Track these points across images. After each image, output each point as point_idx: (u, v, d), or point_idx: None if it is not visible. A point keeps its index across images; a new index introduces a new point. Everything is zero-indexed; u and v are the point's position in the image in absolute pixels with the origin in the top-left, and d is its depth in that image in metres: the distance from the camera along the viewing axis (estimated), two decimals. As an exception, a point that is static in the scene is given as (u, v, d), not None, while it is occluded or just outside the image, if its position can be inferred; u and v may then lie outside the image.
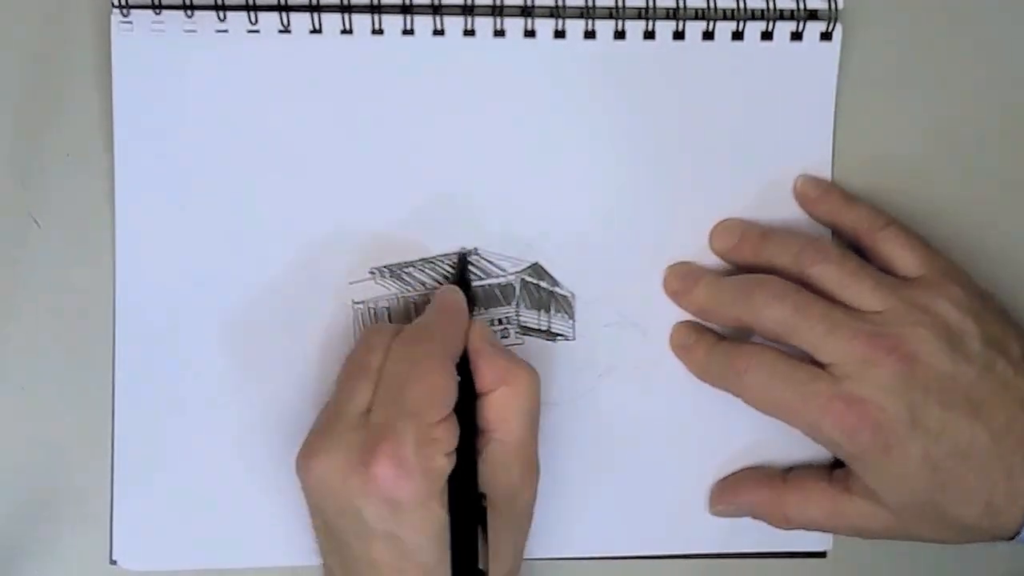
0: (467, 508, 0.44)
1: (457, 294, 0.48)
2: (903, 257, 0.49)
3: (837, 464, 0.50)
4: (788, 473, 0.51)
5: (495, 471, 0.45)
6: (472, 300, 0.49)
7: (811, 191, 0.51)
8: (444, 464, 0.43)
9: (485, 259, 0.51)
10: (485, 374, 0.46)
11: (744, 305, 0.48)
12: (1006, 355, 0.46)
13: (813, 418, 0.46)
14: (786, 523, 0.50)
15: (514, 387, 0.45)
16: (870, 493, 0.47)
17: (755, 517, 0.50)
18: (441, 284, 0.51)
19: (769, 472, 0.51)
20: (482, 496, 0.44)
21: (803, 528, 0.50)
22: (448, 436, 0.44)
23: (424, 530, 0.43)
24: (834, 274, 0.47)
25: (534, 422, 0.46)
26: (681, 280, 0.51)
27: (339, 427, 0.44)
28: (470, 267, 0.51)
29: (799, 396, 0.46)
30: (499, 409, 0.45)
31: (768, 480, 0.50)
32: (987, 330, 0.46)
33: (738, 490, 0.51)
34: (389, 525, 0.43)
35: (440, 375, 0.44)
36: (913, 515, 0.46)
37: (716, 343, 0.50)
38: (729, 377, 0.49)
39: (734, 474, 0.51)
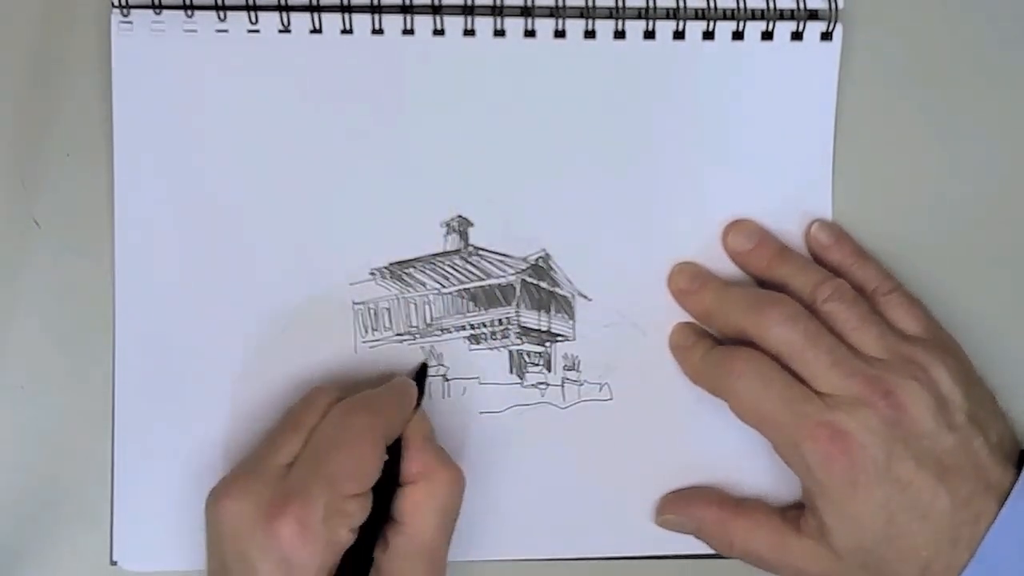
0: None
1: (410, 384, 0.48)
2: (905, 321, 0.49)
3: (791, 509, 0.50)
4: (742, 501, 0.51)
5: (399, 564, 0.45)
6: (420, 400, 0.48)
7: (824, 238, 0.51)
8: (347, 538, 0.44)
9: (486, 259, 0.51)
10: (411, 464, 0.46)
11: (754, 318, 0.48)
12: (984, 436, 0.47)
13: (796, 437, 0.46)
14: (729, 548, 0.50)
15: (434, 484, 0.45)
16: (820, 534, 0.47)
17: (699, 536, 0.51)
18: (441, 285, 0.51)
19: (722, 494, 0.51)
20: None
21: (743, 558, 0.50)
22: (359, 512, 0.44)
23: None
24: (844, 314, 0.48)
25: (447, 523, 0.46)
26: (689, 280, 0.51)
27: (257, 475, 0.45)
28: (470, 264, 0.51)
29: (788, 412, 0.47)
30: (415, 502, 0.45)
31: (720, 501, 0.51)
32: (973, 407, 0.47)
33: (689, 503, 0.51)
34: None
35: (368, 450, 0.44)
36: (855, 563, 0.47)
37: (714, 346, 0.50)
38: (722, 379, 0.49)
39: (687, 488, 0.51)
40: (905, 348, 0.48)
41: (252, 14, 0.49)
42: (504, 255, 0.51)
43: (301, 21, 0.49)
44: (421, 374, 0.50)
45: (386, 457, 0.45)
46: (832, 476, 0.46)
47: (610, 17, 0.50)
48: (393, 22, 0.50)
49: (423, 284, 0.51)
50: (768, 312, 0.48)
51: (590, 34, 0.50)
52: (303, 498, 0.43)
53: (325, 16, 0.49)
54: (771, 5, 0.50)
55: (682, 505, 0.51)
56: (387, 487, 0.45)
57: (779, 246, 0.51)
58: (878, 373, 0.47)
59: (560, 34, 0.50)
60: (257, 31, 0.49)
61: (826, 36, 0.51)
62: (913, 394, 0.46)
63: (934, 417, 0.46)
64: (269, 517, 0.43)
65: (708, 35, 0.51)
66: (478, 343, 0.51)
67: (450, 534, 0.46)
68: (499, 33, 0.50)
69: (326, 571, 0.43)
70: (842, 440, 0.46)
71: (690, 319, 0.51)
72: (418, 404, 0.48)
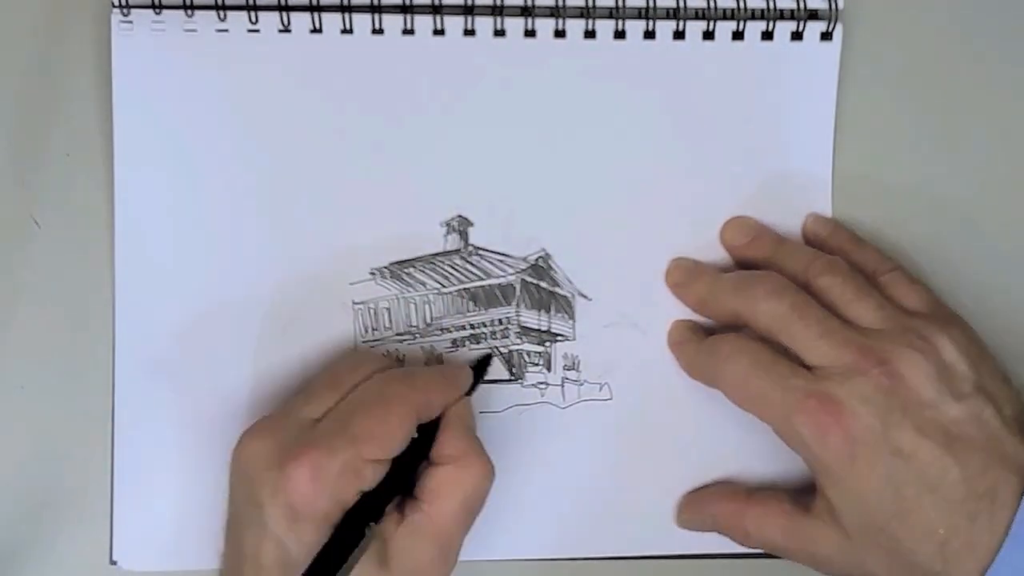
0: (338, 548, 0.43)
1: (466, 373, 0.48)
2: (908, 297, 0.49)
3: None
4: (753, 491, 0.50)
5: (410, 541, 0.45)
6: (474, 388, 0.49)
7: (820, 230, 0.51)
8: (352, 500, 0.44)
9: (486, 259, 0.51)
10: (444, 446, 0.46)
11: (742, 297, 0.48)
12: (995, 407, 0.45)
13: (786, 412, 0.45)
14: (745, 538, 0.49)
15: (463, 470, 0.45)
16: (829, 514, 0.46)
17: (718, 531, 0.50)
18: (441, 285, 0.51)
19: (735, 487, 0.51)
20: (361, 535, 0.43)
21: (761, 547, 0.49)
22: (372, 478, 0.44)
23: (310, 548, 0.43)
24: (840, 288, 0.47)
25: (468, 513, 0.45)
26: (684, 273, 0.51)
27: (284, 421, 0.45)
28: (470, 264, 0.51)
29: (777, 388, 0.46)
30: (439, 483, 0.45)
31: (732, 494, 0.50)
32: (982, 379, 0.46)
33: (703, 501, 0.51)
34: (283, 530, 0.43)
35: (398, 421, 0.44)
36: (867, 542, 0.45)
37: (706, 338, 0.50)
38: (712, 366, 0.48)
39: (701, 487, 0.51)
40: (906, 319, 0.47)
41: (252, 14, 0.49)
42: (504, 255, 0.51)
43: (301, 21, 0.49)
44: (483, 364, 0.50)
45: (416, 435, 0.45)
46: (828, 449, 0.45)
47: (610, 17, 0.50)
48: (393, 22, 0.50)
49: (423, 284, 0.51)
50: (754, 288, 0.48)
51: (590, 34, 0.50)
52: (322, 448, 0.43)
53: (325, 16, 0.49)
54: (771, 5, 0.50)
55: (697, 504, 0.51)
56: (411, 466, 0.45)
57: (775, 237, 0.51)
58: (872, 343, 0.46)
59: (560, 34, 0.50)
60: (257, 31, 0.49)
61: (826, 36, 0.51)
62: (911, 362, 0.45)
63: (935, 385, 0.45)
64: (285, 460, 0.43)
65: (708, 35, 0.51)
66: (478, 343, 0.51)
67: (468, 526, 0.46)
68: (499, 33, 0.50)
69: (327, 526, 0.43)
70: (833, 409, 0.45)
71: (689, 317, 0.51)
72: (471, 392, 0.48)
